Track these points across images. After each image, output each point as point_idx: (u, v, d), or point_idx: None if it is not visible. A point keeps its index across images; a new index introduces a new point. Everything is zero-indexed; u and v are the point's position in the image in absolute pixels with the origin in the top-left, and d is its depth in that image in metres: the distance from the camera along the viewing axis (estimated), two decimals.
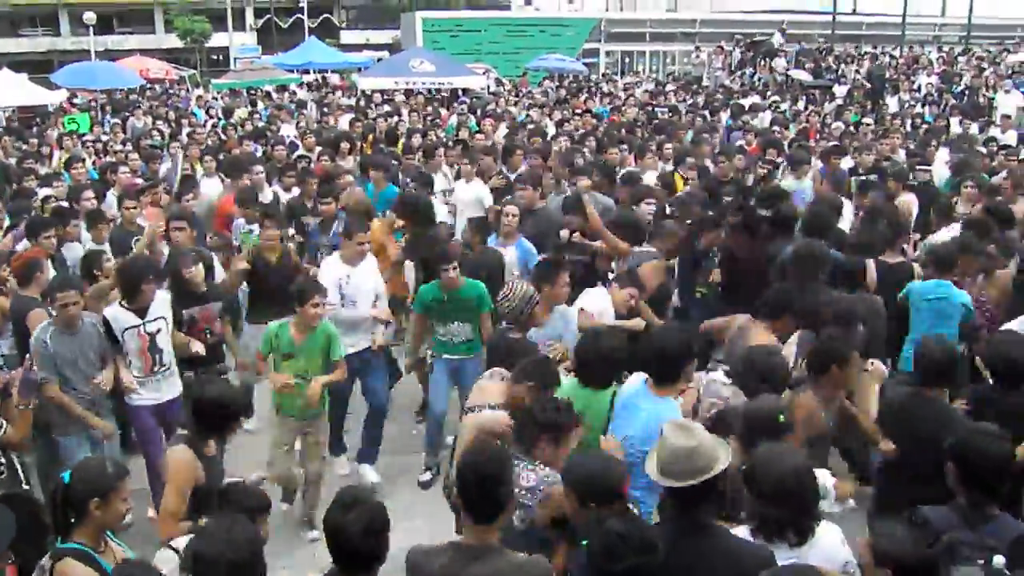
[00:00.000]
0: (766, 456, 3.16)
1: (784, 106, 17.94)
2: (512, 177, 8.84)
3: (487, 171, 9.42)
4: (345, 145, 11.06)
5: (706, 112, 17.01)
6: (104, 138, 14.76)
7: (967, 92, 20.41)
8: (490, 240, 7.03)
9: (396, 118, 15.70)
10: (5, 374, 5.05)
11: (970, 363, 5.46)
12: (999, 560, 2.99)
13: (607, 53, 35.52)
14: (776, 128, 13.42)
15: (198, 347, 5.68)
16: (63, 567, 3.18)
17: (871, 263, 6.30)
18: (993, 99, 18.79)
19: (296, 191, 8.98)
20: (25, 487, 4.56)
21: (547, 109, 17.32)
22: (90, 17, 31.17)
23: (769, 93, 21.40)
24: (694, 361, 4.30)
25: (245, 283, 6.72)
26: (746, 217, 6.87)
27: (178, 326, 5.67)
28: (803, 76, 23.32)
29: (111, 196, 8.95)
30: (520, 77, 26.81)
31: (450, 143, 11.16)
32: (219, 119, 17.82)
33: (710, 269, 6.97)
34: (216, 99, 23.02)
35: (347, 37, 45.57)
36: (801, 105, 18.52)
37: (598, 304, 5.59)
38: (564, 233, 7.22)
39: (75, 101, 21.39)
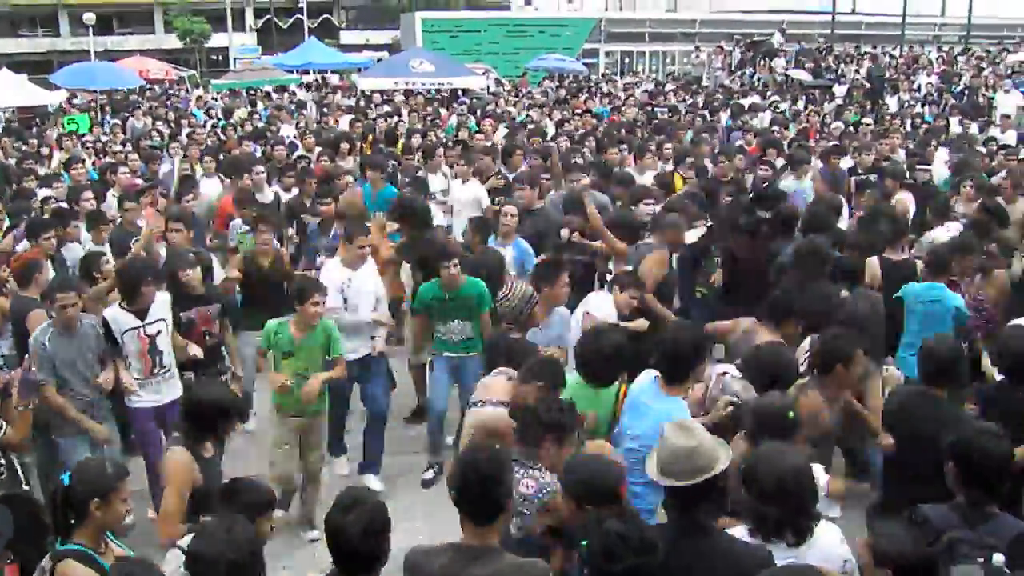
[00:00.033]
0: (765, 455, 3.16)
1: (784, 106, 17.95)
2: (511, 177, 8.84)
3: (485, 171, 9.42)
4: (345, 145, 11.06)
5: (706, 112, 17.02)
6: (104, 139, 14.76)
7: (967, 92, 20.42)
8: (489, 240, 7.04)
9: (396, 118, 15.71)
10: (5, 374, 5.05)
11: (970, 364, 5.46)
12: (999, 559, 2.99)
13: (607, 53, 35.51)
14: (776, 128, 13.44)
15: (195, 350, 5.66)
16: (64, 568, 3.18)
17: (875, 260, 6.34)
18: (993, 99, 18.79)
19: (295, 191, 8.99)
20: (25, 487, 4.56)
21: (547, 109, 17.33)
22: (90, 18, 31.23)
23: (769, 93, 21.40)
24: (705, 361, 4.30)
25: (237, 287, 6.71)
26: (746, 217, 6.89)
27: (176, 328, 5.66)
28: (803, 76, 23.33)
29: (111, 197, 8.95)
30: (520, 77, 26.82)
31: (450, 143, 11.16)
32: (219, 119, 17.83)
33: (710, 270, 6.97)
34: (216, 99, 23.02)
35: (347, 37, 45.55)
36: (801, 105, 18.53)
37: (602, 308, 5.59)
38: (564, 233, 7.23)
39: (75, 102, 21.40)
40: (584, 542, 2.78)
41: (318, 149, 11.18)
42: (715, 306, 6.86)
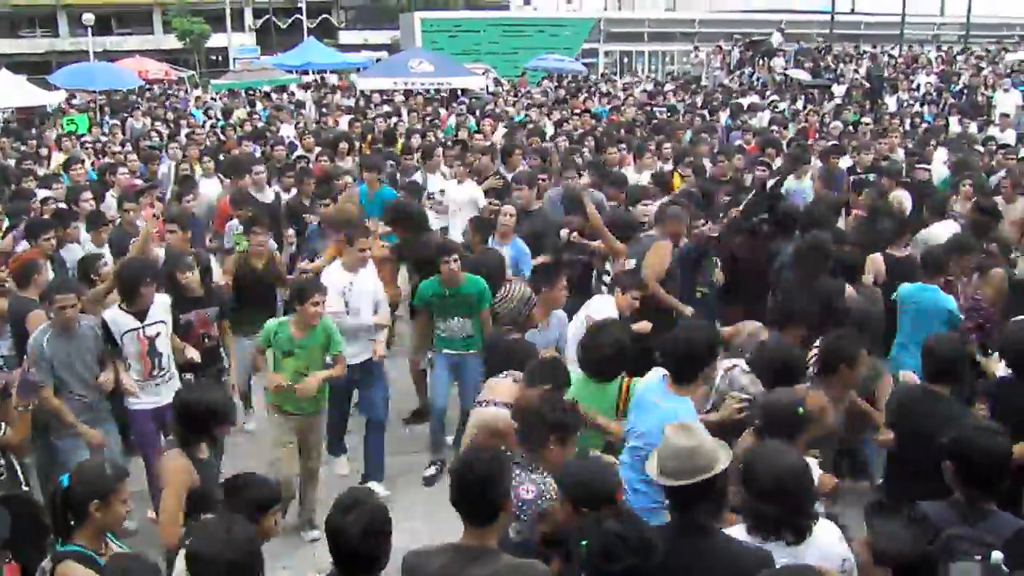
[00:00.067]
0: (763, 454, 3.16)
1: (783, 105, 17.95)
2: (510, 177, 8.83)
3: (484, 171, 9.41)
4: (344, 145, 11.04)
5: (705, 112, 17.02)
6: (103, 139, 14.75)
7: (966, 91, 20.43)
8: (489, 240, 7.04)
9: (395, 119, 15.70)
10: (5, 375, 5.05)
11: (970, 363, 5.47)
12: (997, 556, 2.99)
13: (606, 53, 35.55)
14: (775, 128, 13.44)
15: (192, 354, 5.63)
16: (64, 569, 3.18)
17: (879, 257, 6.42)
18: (992, 98, 18.79)
19: (294, 191, 8.98)
20: (24, 488, 4.55)
21: (546, 109, 17.33)
22: (88, 18, 31.19)
23: (768, 93, 21.40)
24: (715, 363, 4.29)
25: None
26: (746, 217, 6.91)
27: (175, 330, 5.64)
28: (802, 75, 23.33)
29: (110, 197, 8.94)
30: (519, 77, 26.82)
31: (449, 143, 11.16)
32: (218, 120, 17.83)
33: (709, 269, 6.97)
34: (215, 100, 23.02)
35: (346, 37, 45.54)
36: (800, 104, 18.52)
37: (604, 311, 5.58)
38: (564, 233, 7.24)
39: (73, 102, 21.36)
40: (583, 542, 2.78)
41: (317, 149, 11.18)
42: (715, 306, 6.87)
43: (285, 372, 5.36)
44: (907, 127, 15.02)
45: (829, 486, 3.79)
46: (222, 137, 13.98)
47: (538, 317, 5.56)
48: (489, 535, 2.98)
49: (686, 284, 7.10)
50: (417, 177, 9.28)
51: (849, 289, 5.80)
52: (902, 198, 8.38)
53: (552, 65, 27.06)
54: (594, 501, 3.08)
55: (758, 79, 24.67)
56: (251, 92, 23.52)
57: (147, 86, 26.10)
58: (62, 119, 17.23)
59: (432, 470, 6.34)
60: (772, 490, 3.00)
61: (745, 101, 18.11)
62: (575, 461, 3.45)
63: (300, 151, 11.65)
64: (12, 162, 11.75)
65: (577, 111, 16.75)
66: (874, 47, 27.96)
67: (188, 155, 11.27)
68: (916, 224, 7.54)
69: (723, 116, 16.38)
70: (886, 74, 22.64)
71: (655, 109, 17.62)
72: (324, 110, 18.95)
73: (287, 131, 14.82)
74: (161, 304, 5.46)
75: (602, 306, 5.66)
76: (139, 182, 9.65)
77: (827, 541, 3.08)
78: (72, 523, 3.29)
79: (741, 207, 7.11)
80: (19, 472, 4.53)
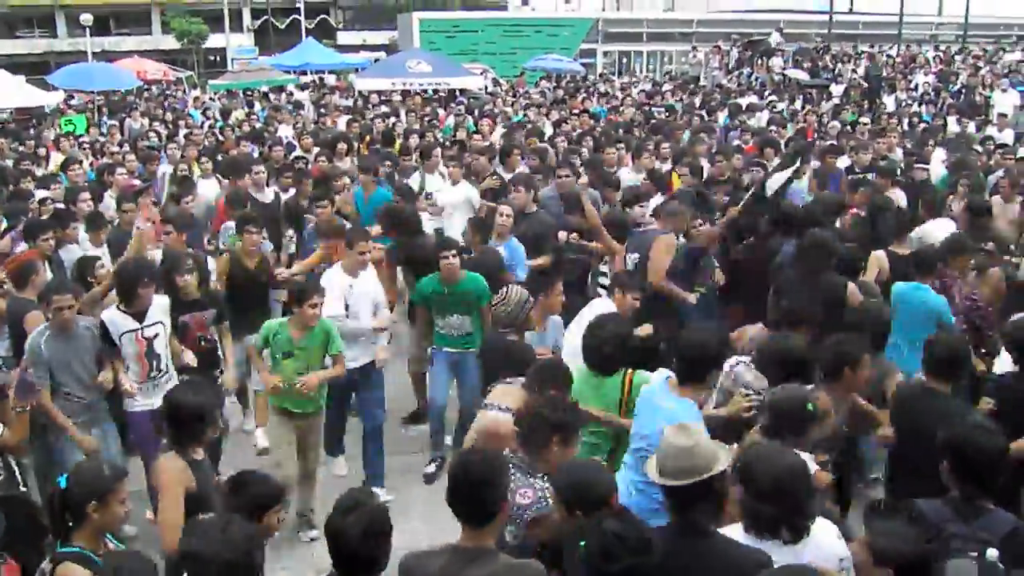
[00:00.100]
0: (762, 454, 3.16)
1: (781, 105, 17.97)
2: (508, 178, 8.82)
3: (481, 172, 9.40)
4: (342, 146, 11.02)
5: (703, 112, 17.03)
6: (101, 140, 14.74)
7: (964, 91, 20.45)
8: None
9: (393, 119, 15.70)
10: (3, 375, 5.05)
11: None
12: (992, 553, 3.01)
13: (604, 53, 35.57)
14: (773, 128, 13.44)
15: (189, 358, 5.62)
16: (63, 570, 3.17)
17: (882, 254, 6.49)
18: (990, 98, 18.81)
19: (292, 192, 8.96)
20: (23, 489, 4.54)
21: (544, 109, 17.32)
22: (87, 18, 31.20)
23: (766, 93, 21.41)
24: (721, 367, 4.28)
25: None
26: (745, 216, 6.91)
27: (174, 332, 5.63)
28: (800, 75, 23.35)
29: (108, 198, 8.92)
30: (517, 77, 26.83)
31: (447, 144, 11.14)
32: (216, 120, 17.82)
33: (708, 268, 6.97)
34: (213, 100, 23.01)
35: (344, 38, 45.55)
36: (798, 104, 18.53)
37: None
38: (562, 235, 7.25)
39: (72, 102, 21.36)
40: (582, 543, 2.77)
41: (316, 150, 11.17)
42: (714, 305, 6.87)
43: (285, 373, 5.35)
44: (905, 127, 15.05)
45: (825, 482, 3.79)
46: (220, 138, 13.97)
47: (536, 321, 5.56)
48: (486, 536, 2.98)
49: (685, 284, 7.11)
50: (415, 177, 9.27)
51: (852, 286, 5.82)
52: (898, 198, 8.42)
53: (550, 65, 27.07)
54: (587, 504, 3.07)
55: (756, 79, 24.69)
56: (249, 93, 23.52)
57: (145, 86, 26.12)
58: (60, 119, 17.20)
59: (432, 467, 6.35)
60: (770, 490, 3.00)
61: (743, 101, 18.12)
62: (569, 463, 3.43)
63: (298, 151, 11.63)
64: (10, 162, 11.72)
65: (575, 111, 16.76)
66: (872, 47, 28.00)
67: (186, 156, 11.26)
68: (911, 222, 7.56)
69: (721, 116, 16.38)
70: (884, 74, 22.65)
71: (653, 109, 17.64)
72: (322, 110, 18.95)
73: (285, 131, 14.81)
74: (160, 305, 5.44)
75: (601, 309, 5.65)
76: (137, 182, 9.64)
77: (825, 540, 3.08)
78: (70, 524, 3.28)
79: (739, 206, 7.11)
80: (17, 473, 4.52)
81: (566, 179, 8.04)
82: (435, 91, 20.87)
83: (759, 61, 25.74)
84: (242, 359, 6.42)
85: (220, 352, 6.04)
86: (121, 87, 23.67)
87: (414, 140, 11.66)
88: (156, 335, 5.37)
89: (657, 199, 8.16)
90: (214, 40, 41.82)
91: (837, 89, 21.42)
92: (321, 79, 27.93)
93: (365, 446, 6.10)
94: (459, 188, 8.76)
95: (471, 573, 2.83)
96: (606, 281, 6.73)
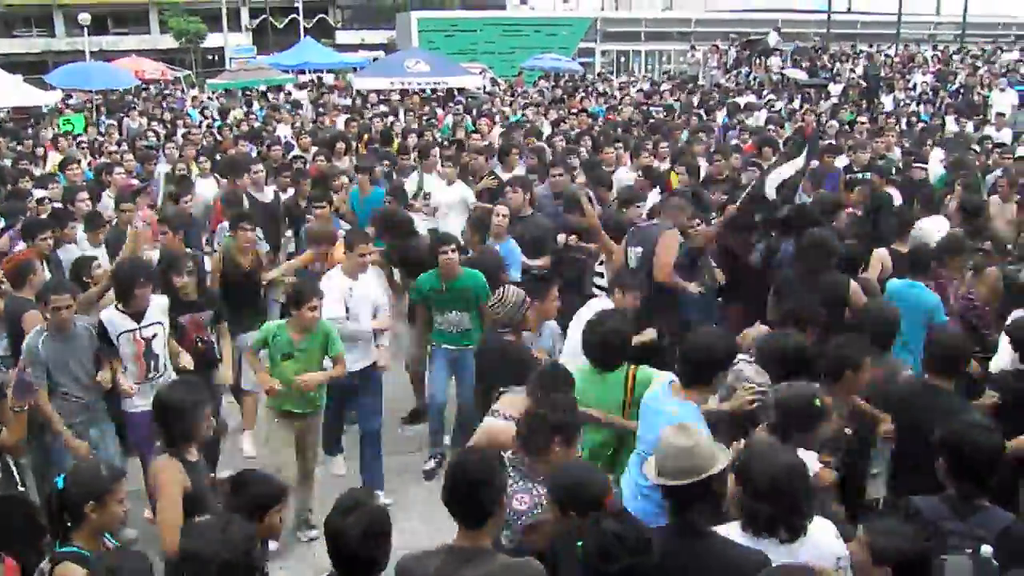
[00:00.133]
0: (759, 453, 3.16)
1: (779, 105, 17.97)
2: (505, 178, 8.82)
3: (478, 171, 9.39)
4: (340, 145, 11.01)
5: (701, 111, 17.01)
6: (99, 139, 14.73)
7: (962, 90, 20.45)
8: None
9: (392, 118, 15.69)
10: (1, 375, 5.04)
11: None
12: (987, 550, 3.02)
13: (603, 52, 35.59)
14: (771, 127, 13.44)
15: (187, 360, 5.60)
16: (62, 571, 3.17)
17: (885, 252, 6.53)
18: (988, 97, 18.82)
19: (291, 192, 8.96)
20: (21, 489, 4.54)
21: (543, 109, 17.32)
22: (85, 18, 31.20)
23: (765, 92, 21.41)
24: (727, 371, 4.27)
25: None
26: (744, 216, 6.92)
27: (172, 332, 5.62)
28: (799, 75, 23.34)
29: (107, 197, 8.91)
30: (515, 77, 26.83)
31: (446, 143, 11.13)
32: (214, 120, 17.81)
33: (708, 268, 6.97)
34: (211, 99, 22.99)
35: (342, 37, 45.53)
36: (797, 104, 18.52)
37: None
38: (561, 238, 7.25)
39: (70, 102, 21.35)
40: (579, 543, 2.78)
41: (314, 149, 11.16)
42: (715, 305, 6.87)
43: (285, 375, 5.33)
44: (903, 126, 15.06)
45: (827, 481, 3.78)
46: (218, 137, 13.96)
47: (533, 322, 5.56)
48: (483, 536, 2.98)
49: (685, 281, 7.12)
50: (414, 177, 9.26)
51: (855, 285, 5.82)
52: (892, 196, 8.43)
53: (549, 65, 27.07)
54: (581, 505, 3.06)
55: (755, 78, 24.68)
56: (247, 92, 23.50)
57: (143, 86, 26.08)
58: (58, 119, 17.18)
59: (431, 463, 6.36)
60: (767, 489, 3.00)
61: (742, 100, 18.13)
62: (564, 464, 3.41)
63: (296, 151, 11.63)
64: (8, 162, 11.71)
65: (574, 111, 16.75)
66: (870, 46, 28.00)
67: (184, 155, 11.24)
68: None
69: (720, 115, 16.38)
70: (882, 73, 22.65)
71: (652, 109, 17.65)
72: (321, 110, 18.95)
73: (283, 131, 14.81)
74: (158, 306, 5.43)
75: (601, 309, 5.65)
76: (135, 182, 9.64)
77: (823, 539, 3.07)
78: (69, 524, 3.27)
79: (737, 205, 7.11)
80: (15, 473, 4.52)
81: (560, 178, 8.02)
82: (433, 90, 20.86)
83: (757, 60, 25.73)
84: (236, 357, 6.41)
85: (217, 353, 6.03)
86: (119, 86, 23.62)
87: (412, 139, 11.66)
88: (154, 335, 5.37)
89: (654, 195, 8.18)
90: (212, 39, 41.79)
91: (835, 88, 21.41)
92: (319, 78, 27.90)
93: (363, 451, 6.08)
94: (454, 188, 8.74)
95: (468, 573, 2.83)
96: (602, 281, 6.72)
